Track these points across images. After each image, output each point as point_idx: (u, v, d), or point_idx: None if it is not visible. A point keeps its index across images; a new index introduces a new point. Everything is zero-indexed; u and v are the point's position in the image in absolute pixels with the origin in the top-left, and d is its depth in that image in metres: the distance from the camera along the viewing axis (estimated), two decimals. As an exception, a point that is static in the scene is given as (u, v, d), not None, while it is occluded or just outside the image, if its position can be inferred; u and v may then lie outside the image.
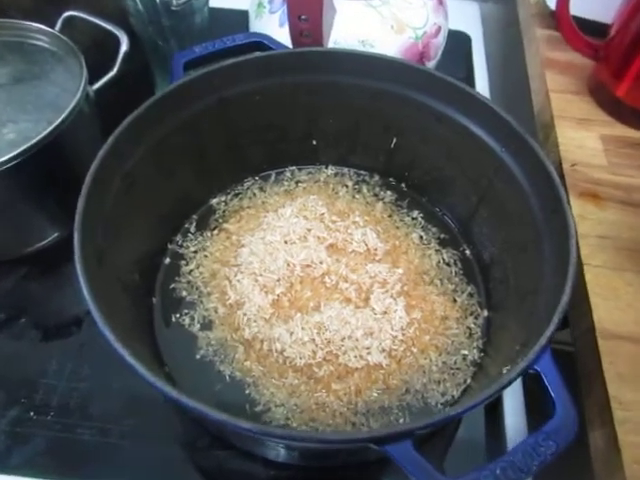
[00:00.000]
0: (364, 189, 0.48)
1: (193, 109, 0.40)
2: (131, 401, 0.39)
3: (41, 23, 0.46)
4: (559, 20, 0.45)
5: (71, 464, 0.36)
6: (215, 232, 0.44)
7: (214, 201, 0.46)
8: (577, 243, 0.31)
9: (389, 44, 0.47)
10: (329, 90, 0.43)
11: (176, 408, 0.38)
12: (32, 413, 0.38)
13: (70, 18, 0.48)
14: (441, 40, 0.51)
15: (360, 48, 0.47)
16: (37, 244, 0.46)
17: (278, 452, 0.35)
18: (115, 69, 0.45)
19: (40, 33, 0.45)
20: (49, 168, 0.42)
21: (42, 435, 0.37)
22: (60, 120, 0.39)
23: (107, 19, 0.47)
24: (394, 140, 0.45)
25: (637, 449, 0.27)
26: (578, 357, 0.33)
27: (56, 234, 0.46)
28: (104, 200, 0.34)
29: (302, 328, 0.37)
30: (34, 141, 0.38)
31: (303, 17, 0.44)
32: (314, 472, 0.37)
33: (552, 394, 0.25)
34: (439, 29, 0.50)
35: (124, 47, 0.46)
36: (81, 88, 0.41)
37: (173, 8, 0.46)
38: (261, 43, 0.42)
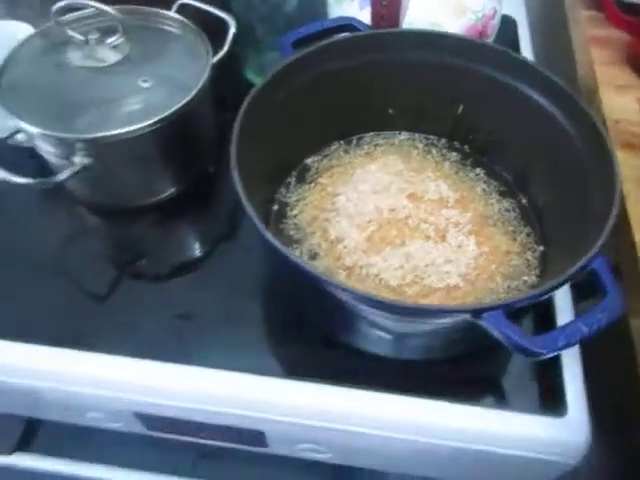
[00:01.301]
0: (433, 151, 0.56)
1: (299, 82, 0.49)
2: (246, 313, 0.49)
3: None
4: (603, 3, 0.53)
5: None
6: (312, 185, 0.53)
7: (308, 160, 0.55)
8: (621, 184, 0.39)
9: (454, 25, 0.56)
10: (406, 65, 0.51)
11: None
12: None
13: (183, 5, 0.57)
14: (497, 21, 0.60)
15: (430, 28, 0.56)
16: (157, 197, 0.55)
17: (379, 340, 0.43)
18: (225, 48, 0.54)
19: (167, 18, 0.54)
20: (179, 133, 0.51)
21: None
22: (195, 92, 0.48)
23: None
24: (460, 108, 0.54)
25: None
26: (623, 271, 0.42)
27: (173, 189, 0.56)
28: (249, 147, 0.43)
29: (393, 257, 0.46)
30: (173, 109, 0.47)
31: (384, 3, 0.52)
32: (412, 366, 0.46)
33: (604, 282, 0.34)
34: (495, 12, 0.59)
35: (232, 29, 0.54)
36: (209, 65, 0.49)
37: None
38: (350, 25, 0.51)
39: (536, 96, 0.48)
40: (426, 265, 0.46)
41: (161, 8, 0.55)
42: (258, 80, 0.66)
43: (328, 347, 0.46)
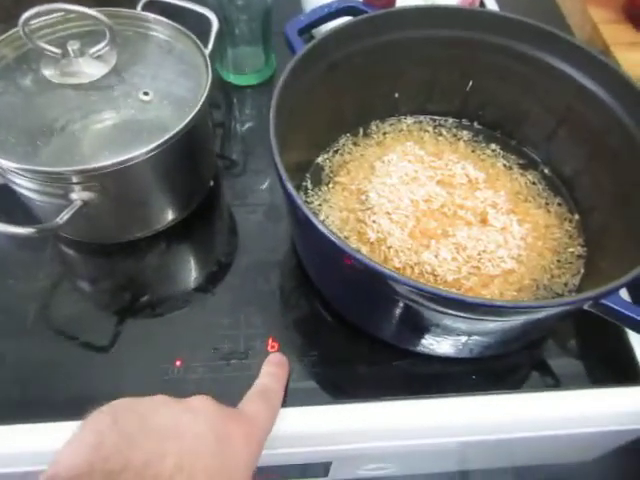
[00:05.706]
0: (443, 132, 0.54)
1: (311, 75, 0.44)
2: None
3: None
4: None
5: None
6: (330, 186, 0.49)
7: (319, 159, 0.51)
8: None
9: (448, -2, 0.53)
10: (416, 43, 0.48)
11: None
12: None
13: (150, 3, 0.50)
14: (481, -9, 0.58)
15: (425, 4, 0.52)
16: (156, 226, 0.48)
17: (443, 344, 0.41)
18: (210, 47, 0.48)
19: (148, 21, 0.47)
20: (187, 149, 0.44)
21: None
22: (202, 102, 0.41)
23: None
24: (470, 83, 0.51)
25: None
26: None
27: (173, 217, 0.49)
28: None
29: (444, 250, 0.43)
30: (185, 122, 0.40)
31: (379, -19, 0.48)
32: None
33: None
34: (480, -19, 0.57)
35: (215, 26, 0.49)
36: (210, 72, 0.43)
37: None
38: (354, 7, 0.47)
39: (558, 63, 0.46)
40: (479, 253, 0.44)
41: (123, 7, 0.48)
42: (232, 77, 0.61)
43: (394, 359, 0.43)
